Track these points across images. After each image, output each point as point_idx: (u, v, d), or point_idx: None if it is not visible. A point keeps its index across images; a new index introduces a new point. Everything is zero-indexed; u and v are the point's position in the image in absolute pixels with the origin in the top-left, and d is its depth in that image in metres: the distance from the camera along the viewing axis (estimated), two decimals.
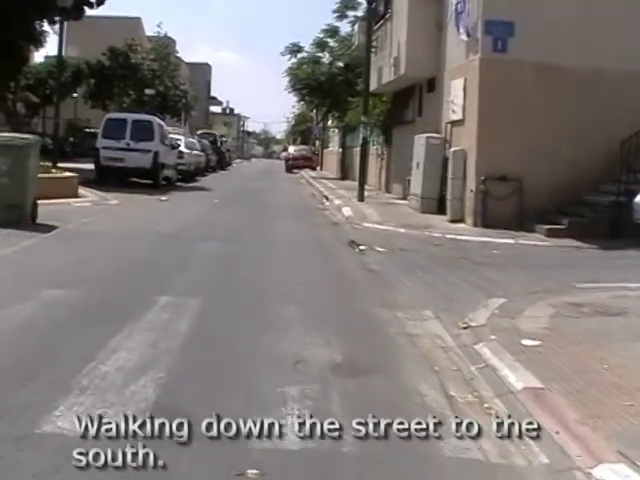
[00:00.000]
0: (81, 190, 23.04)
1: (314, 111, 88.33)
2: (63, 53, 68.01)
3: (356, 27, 32.19)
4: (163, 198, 23.62)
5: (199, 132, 62.21)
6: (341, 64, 44.14)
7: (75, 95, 60.23)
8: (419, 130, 24.23)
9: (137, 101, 60.18)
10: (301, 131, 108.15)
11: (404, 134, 27.71)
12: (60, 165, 32.26)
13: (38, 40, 43.85)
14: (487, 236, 17.18)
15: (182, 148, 35.95)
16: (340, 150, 49.31)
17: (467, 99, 19.63)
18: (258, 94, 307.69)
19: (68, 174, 22.88)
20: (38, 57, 64.49)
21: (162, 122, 31.61)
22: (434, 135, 21.74)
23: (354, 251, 14.35)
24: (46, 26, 42.29)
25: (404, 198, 25.94)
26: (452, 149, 20.00)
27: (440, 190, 21.38)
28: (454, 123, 20.70)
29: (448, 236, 16.91)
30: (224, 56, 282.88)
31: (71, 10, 38.14)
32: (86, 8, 40.41)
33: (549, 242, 16.69)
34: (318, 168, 65.48)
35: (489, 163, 18.68)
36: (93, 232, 15.00)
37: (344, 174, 44.56)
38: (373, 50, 26.10)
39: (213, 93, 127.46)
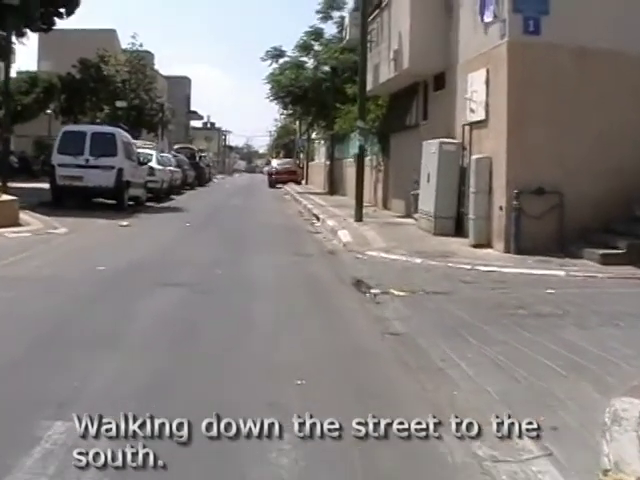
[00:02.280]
0: (25, 216, 19.27)
1: (297, 123, 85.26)
2: (36, 68, 65.60)
3: (346, 20, 28.41)
4: (124, 223, 19.80)
5: (176, 147, 58.75)
6: (327, 68, 40.43)
7: (49, 111, 56.55)
8: (425, 136, 20.53)
9: (111, 116, 56.52)
10: (284, 144, 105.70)
11: (405, 142, 24.00)
12: (14, 185, 28.70)
13: (6, 54, 40.20)
14: (526, 266, 13.50)
15: (153, 164, 32.27)
16: (328, 162, 45.56)
17: (491, 94, 15.94)
18: (240, 108, 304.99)
19: (6, 198, 19.00)
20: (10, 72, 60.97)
21: (127, 135, 27.80)
22: (448, 140, 18.01)
23: (364, 297, 10.58)
24: (13, 38, 39.19)
25: (408, 216, 22.21)
26: (474, 157, 16.25)
27: (457, 207, 17.66)
28: (474, 125, 16.97)
29: (479, 268, 13.17)
30: (204, 70, 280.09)
31: (39, 21, 36.00)
32: (56, 19, 37.94)
33: (608, 272, 12.97)
34: (303, 182, 61.95)
35: (522, 173, 14.99)
36: (10, 277, 11.14)
37: (332, 189, 40.78)
38: (367, 45, 22.28)
39: (193, 107, 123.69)
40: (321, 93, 40.43)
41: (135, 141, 33.11)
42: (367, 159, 31.29)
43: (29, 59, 68.21)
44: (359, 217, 20.88)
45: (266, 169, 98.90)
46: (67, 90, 56.89)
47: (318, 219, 23.57)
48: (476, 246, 15.79)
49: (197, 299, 9.91)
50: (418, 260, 14.07)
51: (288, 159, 73.10)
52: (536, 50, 14.95)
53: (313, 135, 62.29)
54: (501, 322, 8.73)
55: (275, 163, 66.09)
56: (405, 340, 8.00)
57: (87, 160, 24.45)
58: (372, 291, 10.87)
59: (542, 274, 12.73)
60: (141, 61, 65.62)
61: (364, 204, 25.49)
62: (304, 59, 43.15)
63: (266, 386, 6.19)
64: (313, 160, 64.59)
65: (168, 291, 10.30)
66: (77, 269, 12.13)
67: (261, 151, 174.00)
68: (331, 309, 9.70)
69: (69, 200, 24.75)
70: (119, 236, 17.67)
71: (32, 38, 53.69)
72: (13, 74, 60.22)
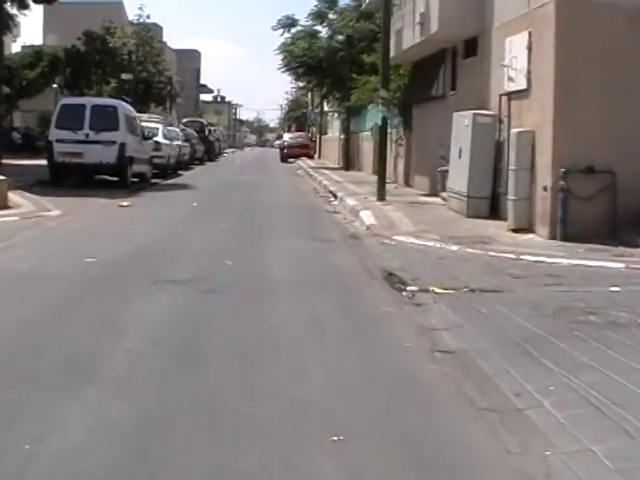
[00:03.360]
0: (15, 197, 17.61)
1: (309, 95, 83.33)
2: (41, 42, 63.91)
3: None
4: (124, 203, 18.12)
5: (184, 120, 56.89)
6: (342, 37, 38.48)
7: (55, 85, 54.86)
8: (453, 108, 18.76)
9: (118, 89, 54.85)
10: (296, 117, 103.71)
11: (430, 114, 22.23)
12: (13, 162, 27.20)
13: (7, 26, 38.63)
14: (578, 256, 11.79)
15: (159, 138, 30.57)
16: (343, 136, 43.71)
17: (534, 61, 14.16)
18: (250, 82, 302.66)
19: None
20: (15, 47, 59.45)
21: (130, 108, 26.07)
22: (483, 112, 16.24)
23: (399, 296, 8.90)
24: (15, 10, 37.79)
25: (434, 194, 20.48)
26: (514, 130, 14.47)
27: (493, 186, 15.93)
28: (513, 95, 15.19)
29: (525, 258, 11.48)
30: (215, 44, 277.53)
31: None
32: None
33: None
34: (316, 156, 60.10)
35: (570, 149, 13.22)
36: None
37: (347, 163, 38.94)
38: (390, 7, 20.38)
39: (203, 81, 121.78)
40: (336, 63, 38.53)
41: (140, 114, 31.50)
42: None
43: (35, 33, 65.99)
44: (381, 196, 19.13)
45: (277, 143, 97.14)
46: (72, 63, 55.25)
47: (335, 197, 21.85)
48: (516, 230, 14.09)
49: (202, 303, 8.18)
50: (454, 247, 12.38)
51: (300, 133, 71.11)
52: (588, 10, 13.15)
53: (326, 108, 60.40)
54: (574, 334, 7.03)
55: (287, 137, 64.09)
56: (462, 362, 6.33)
57: (87, 135, 22.82)
58: (408, 288, 9.20)
59: (599, 266, 11.01)
60: (148, 33, 63.94)
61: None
62: (318, 28, 41.27)
63: (289, 446, 4.51)
64: (326, 134, 62.68)
65: (167, 292, 8.59)
66: (62, 261, 10.46)
67: (272, 125, 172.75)
68: (363, 315, 7.96)
69: (68, 178, 23.16)
70: (118, 219, 16.00)
71: (37, 11, 52.45)
72: (18, 48, 58.87)
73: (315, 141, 64.80)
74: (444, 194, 19.05)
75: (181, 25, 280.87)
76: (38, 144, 47.41)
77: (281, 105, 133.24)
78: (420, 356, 6.48)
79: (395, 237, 13.45)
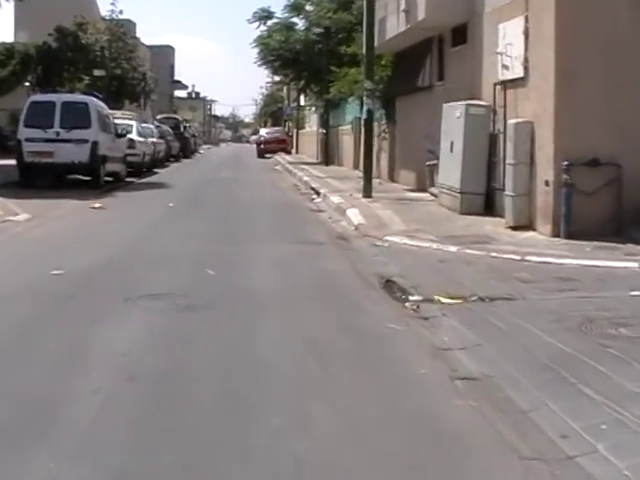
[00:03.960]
0: None
1: (285, 89, 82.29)
2: (12, 39, 62.62)
3: None
4: (97, 205, 17.10)
5: (159, 117, 55.68)
6: (319, 29, 37.47)
7: (27, 84, 53.57)
8: (440, 98, 17.89)
9: (92, 86, 53.57)
10: (272, 112, 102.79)
11: (415, 106, 21.31)
12: None
13: None
14: (586, 255, 10.93)
15: (133, 136, 29.48)
16: (321, 131, 42.73)
17: (532, 47, 13.26)
18: (225, 77, 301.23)
19: None
20: None
21: (102, 104, 25.01)
22: (476, 102, 15.34)
23: (402, 308, 7.98)
24: None
25: (421, 190, 19.59)
26: (511, 121, 13.57)
27: (487, 181, 15.04)
28: (508, 84, 14.28)
29: (531, 259, 10.61)
30: (189, 40, 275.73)
31: None
32: None
33: None
34: (293, 151, 59.08)
35: (572, 141, 12.33)
36: None
37: (327, 158, 37.95)
38: None
39: (178, 77, 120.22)
40: (313, 56, 37.52)
41: (113, 111, 30.44)
42: None
43: (6, 30, 64.53)
44: (368, 192, 18.17)
45: (253, 138, 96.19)
46: (44, 60, 54.02)
47: (318, 194, 20.90)
48: (515, 228, 13.21)
49: (181, 325, 7.14)
50: (452, 248, 11.48)
51: (277, 127, 70.08)
52: None
53: (302, 102, 59.42)
54: (610, 353, 6.15)
55: (264, 132, 62.97)
56: (489, 392, 5.40)
57: (57, 133, 21.74)
58: (411, 298, 8.29)
59: (610, 267, 10.16)
60: (121, 29, 62.71)
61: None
62: (294, 20, 40.16)
63: None
64: (303, 128, 61.68)
65: (142, 310, 7.58)
66: (25, 274, 9.44)
67: (247, 120, 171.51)
68: (367, 335, 6.98)
69: (39, 179, 22.07)
70: (89, 222, 14.97)
71: (8, 8, 51.16)
72: None
73: (292, 136, 63.74)
74: (433, 190, 18.16)
75: (154, 21, 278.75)
76: (9, 144, 46.14)
77: (256, 100, 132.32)
78: (440, 387, 5.54)
79: (387, 237, 12.54)
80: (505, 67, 14.30)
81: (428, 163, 18.67)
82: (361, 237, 13.07)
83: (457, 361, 6.13)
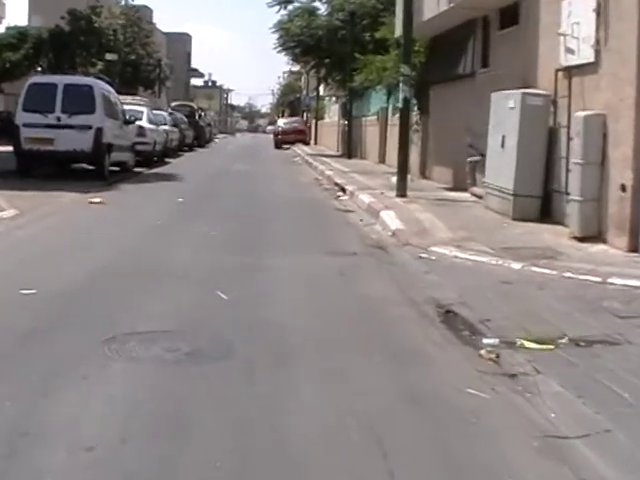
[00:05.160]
0: None
1: (303, 79, 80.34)
2: (26, 23, 60.97)
3: None
4: (96, 200, 15.16)
5: (173, 104, 53.90)
6: (343, 14, 35.39)
7: (39, 69, 51.98)
8: (484, 87, 15.94)
9: (105, 71, 51.88)
10: (289, 102, 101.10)
11: (453, 95, 19.29)
12: None
13: None
14: None
15: (144, 123, 27.55)
16: (343, 122, 40.69)
17: (606, 26, 11.19)
18: (242, 66, 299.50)
19: None
20: None
21: (109, 87, 23.05)
22: (534, 91, 13.29)
23: (476, 357, 5.98)
24: None
25: (459, 189, 17.59)
26: (579, 114, 11.51)
27: (545, 182, 13.02)
28: (575, 70, 12.23)
29: (614, 282, 8.61)
30: (206, 29, 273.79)
31: None
32: None
33: None
34: (312, 143, 57.04)
35: None
36: None
37: (349, 151, 35.85)
38: None
39: (194, 65, 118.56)
40: (336, 43, 35.48)
41: (124, 96, 28.54)
42: (396, 118, 26.75)
43: (20, 15, 62.79)
44: (402, 191, 16.11)
45: (269, 128, 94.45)
46: (56, 44, 52.39)
47: (344, 191, 18.89)
48: (581, 239, 11.18)
49: (180, 391, 4.99)
50: (514, 265, 9.49)
51: (295, 118, 67.96)
52: None
53: (322, 92, 57.42)
54: None
55: (281, 122, 60.83)
56: None
57: (59, 118, 19.78)
58: (486, 341, 6.30)
59: None
60: (137, 13, 60.89)
61: (391, 170, 21.00)
62: (317, 5, 38.10)
63: None
64: (323, 119, 59.59)
65: (125, 360, 5.45)
66: None
67: (264, 110, 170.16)
68: (440, 408, 4.89)
69: (38, 168, 20.25)
70: (83, 222, 12.94)
71: None
72: (2, 30, 55.78)
73: (310, 127, 61.65)
74: (476, 189, 16.16)
75: (172, 9, 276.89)
76: None
77: (273, 90, 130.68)
78: None
79: (433, 248, 10.54)
80: (569, 51, 12.26)
81: (469, 159, 16.66)
82: (401, 246, 11.08)
83: (586, 463, 4.12)
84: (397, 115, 25.88)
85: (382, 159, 29.32)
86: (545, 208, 12.97)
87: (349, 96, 36.50)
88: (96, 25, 54.47)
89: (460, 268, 9.43)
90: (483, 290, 8.18)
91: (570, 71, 12.30)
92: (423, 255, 10.19)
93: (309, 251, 10.55)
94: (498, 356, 5.95)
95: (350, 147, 36.04)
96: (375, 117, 31.24)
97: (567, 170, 12.19)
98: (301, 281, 8.64)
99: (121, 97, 26.80)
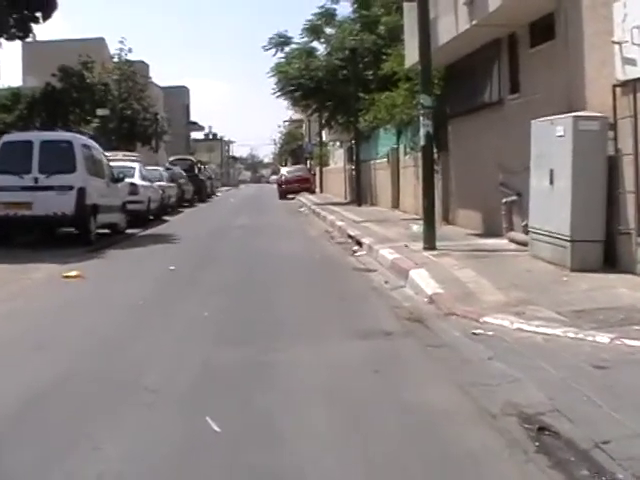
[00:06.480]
0: None
1: (304, 127, 78.64)
2: (20, 83, 59.48)
3: None
4: (72, 273, 12.87)
5: (171, 159, 51.93)
6: (344, 53, 33.39)
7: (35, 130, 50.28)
8: (515, 115, 13.84)
9: (101, 128, 50.21)
10: (291, 150, 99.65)
11: (477, 128, 17.07)
12: None
13: None
14: None
15: (136, 180, 25.43)
16: (350, 167, 38.50)
17: None
18: (242, 117, 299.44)
19: None
20: None
21: (92, 142, 20.93)
22: (586, 114, 11.00)
23: None
24: None
25: (492, 235, 15.29)
26: None
27: (606, 223, 10.70)
28: (638, 84, 9.96)
29: None
30: (204, 83, 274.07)
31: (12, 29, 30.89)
32: (32, 25, 32.49)
33: None
34: (317, 191, 54.85)
35: None
36: None
37: (359, 197, 33.57)
38: None
39: (193, 118, 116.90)
40: (338, 83, 33.51)
41: (114, 152, 26.54)
42: (406, 158, 24.59)
43: (14, 75, 61.73)
44: (430, 243, 13.71)
45: (273, 178, 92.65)
46: (49, 102, 50.73)
47: (360, 244, 16.57)
48: None
49: None
50: (600, 337, 7.21)
51: (299, 165, 65.68)
52: None
53: (324, 138, 55.35)
54: None
55: (284, 171, 58.62)
56: None
57: (36, 179, 17.80)
58: None
59: None
60: (131, 67, 59.32)
61: (408, 216, 18.75)
62: (314, 45, 36.11)
63: None
64: (327, 165, 57.44)
65: None
66: None
67: (266, 160, 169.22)
68: None
69: (17, 235, 18.17)
70: (49, 306, 10.50)
71: (15, 50, 48.22)
72: None
73: (315, 174, 59.47)
74: (515, 235, 13.89)
75: (169, 65, 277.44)
76: None
77: (274, 140, 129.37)
78: None
79: (486, 319, 8.22)
80: (629, 61, 10.02)
81: (504, 200, 14.39)
82: (444, 317, 8.73)
83: None
84: (409, 156, 23.82)
85: (395, 204, 27.05)
86: (609, 254, 10.64)
87: (355, 139, 34.33)
88: (88, 81, 52.86)
89: (530, 348, 7.07)
90: (575, 383, 5.87)
91: (635, 86, 10.01)
92: (477, 331, 7.85)
93: (329, 335, 8.15)
94: None
95: (359, 193, 33.74)
96: (385, 160, 29.00)
97: (638, 206, 9.90)
98: (323, 390, 6.14)
99: (110, 154, 24.81)
